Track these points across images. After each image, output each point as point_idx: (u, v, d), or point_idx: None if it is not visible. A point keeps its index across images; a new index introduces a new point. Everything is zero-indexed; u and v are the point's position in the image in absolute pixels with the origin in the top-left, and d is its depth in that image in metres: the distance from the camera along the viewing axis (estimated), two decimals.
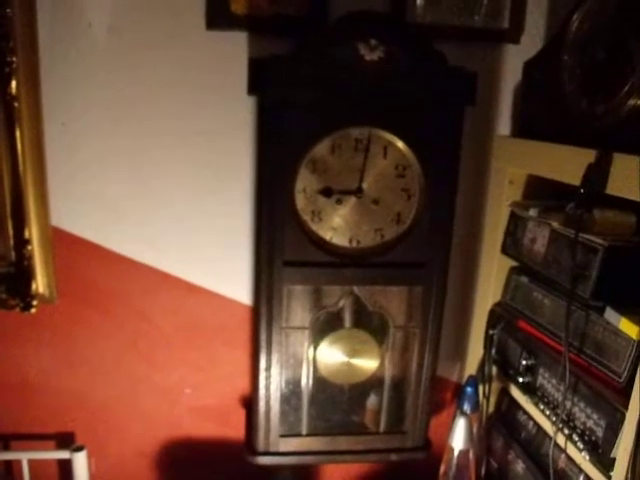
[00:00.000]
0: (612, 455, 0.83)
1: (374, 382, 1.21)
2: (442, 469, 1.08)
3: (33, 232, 1.16)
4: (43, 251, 1.18)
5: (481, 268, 1.26)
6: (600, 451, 0.87)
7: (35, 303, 1.18)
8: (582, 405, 0.92)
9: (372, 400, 1.24)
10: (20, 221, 1.13)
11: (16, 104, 1.06)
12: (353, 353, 1.17)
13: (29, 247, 1.15)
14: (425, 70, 1.00)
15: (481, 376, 1.21)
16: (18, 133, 1.08)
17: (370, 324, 1.19)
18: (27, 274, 1.17)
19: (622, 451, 0.80)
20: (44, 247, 1.18)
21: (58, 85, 1.12)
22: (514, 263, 1.16)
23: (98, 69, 1.13)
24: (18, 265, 1.16)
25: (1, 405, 1.29)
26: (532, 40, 1.19)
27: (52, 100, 1.12)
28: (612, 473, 0.83)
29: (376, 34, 0.96)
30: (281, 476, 1.30)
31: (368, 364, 1.18)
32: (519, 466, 1.13)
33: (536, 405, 1.04)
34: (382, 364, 1.18)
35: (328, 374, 1.18)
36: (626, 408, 0.80)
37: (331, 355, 1.17)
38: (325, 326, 1.17)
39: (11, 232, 1.14)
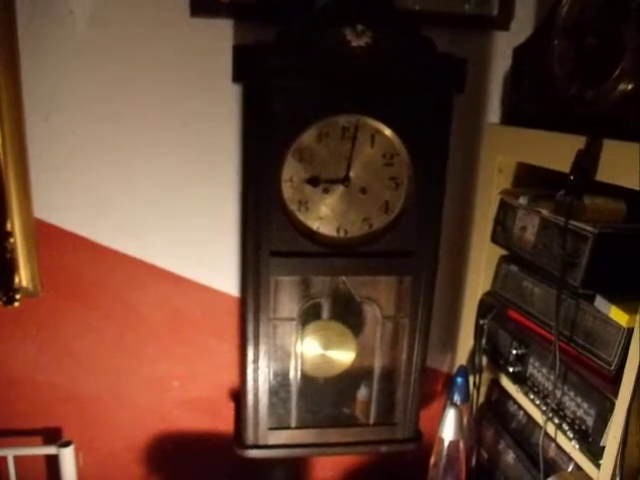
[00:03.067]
0: (602, 444, 0.83)
1: (363, 373, 1.20)
2: (432, 460, 1.08)
3: (15, 224, 1.14)
4: (26, 244, 1.16)
5: (471, 257, 1.26)
6: (590, 440, 0.86)
7: (18, 297, 1.16)
8: (572, 394, 0.92)
9: (362, 392, 1.23)
10: (1, 213, 1.11)
11: None
12: (329, 345, 1.16)
13: (11, 240, 1.13)
14: (413, 56, 0.98)
15: (471, 366, 1.20)
16: None
17: (355, 315, 1.18)
18: (9, 267, 1.14)
19: (611, 439, 0.80)
20: (27, 240, 1.16)
21: (40, 74, 1.10)
22: (504, 252, 1.16)
23: (80, 58, 1.10)
24: (0, 258, 1.14)
25: None
26: (522, 26, 1.18)
27: (33, 90, 1.10)
28: (601, 462, 0.83)
29: (363, 19, 0.94)
30: (275, 469, 1.30)
31: (344, 356, 1.17)
32: (509, 456, 1.13)
33: (526, 395, 1.04)
34: (363, 356, 1.17)
35: (306, 367, 1.17)
36: (616, 397, 0.80)
37: (309, 347, 1.16)
38: (313, 317, 1.16)
39: None
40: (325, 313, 1.17)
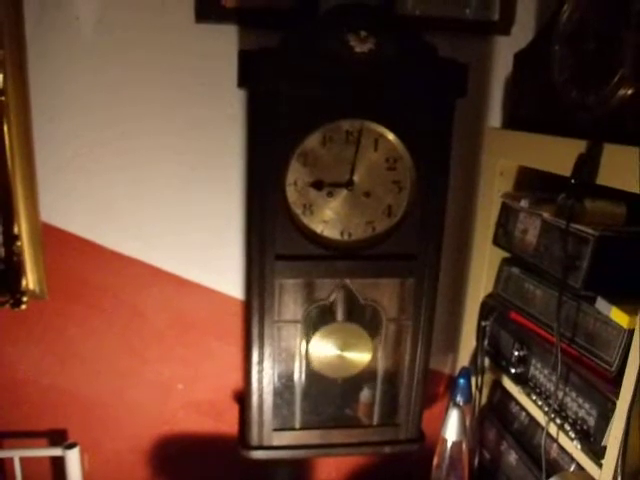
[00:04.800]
0: (603, 444, 0.84)
1: (367, 375, 1.21)
2: (435, 461, 1.08)
3: (22, 228, 1.15)
4: (33, 247, 1.17)
5: (473, 260, 1.27)
6: (591, 440, 0.87)
7: (25, 299, 1.17)
8: (574, 395, 0.93)
9: (365, 393, 1.24)
10: (9, 217, 1.12)
11: (3, 98, 1.05)
12: (346, 346, 1.17)
13: (18, 243, 1.15)
14: (416, 62, 0.99)
15: (474, 368, 1.21)
16: (6, 127, 1.07)
17: (362, 317, 1.19)
18: (17, 270, 1.16)
19: (613, 439, 0.80)
20: (34, 243, 1.17)
21: (46, 79, 1.11)
22: (506, 254, 1.16)
23: (87, 63, 1.12)
24: (7, 261, 1.15)
25: None
26: (523, 32, 1.19)
27: (40, 94, 1.11)
28: (603, 461, 0.83)
29: (366, 25, 0.96)
30: (279, 470, 1.30)
31: (361, 357, 1.18)
32: (512, 457, 1.13)
33: (528, 396, 1.04)
34: (375, 357, 1.18)
35: (320, 368, 1.17)
36: (617, 397, 0.81)
37: (323, 349, 1.16)
38: (317, 319, 1.17)
39: (0, 228, 1.13)
40: (340, 315, 1.17)
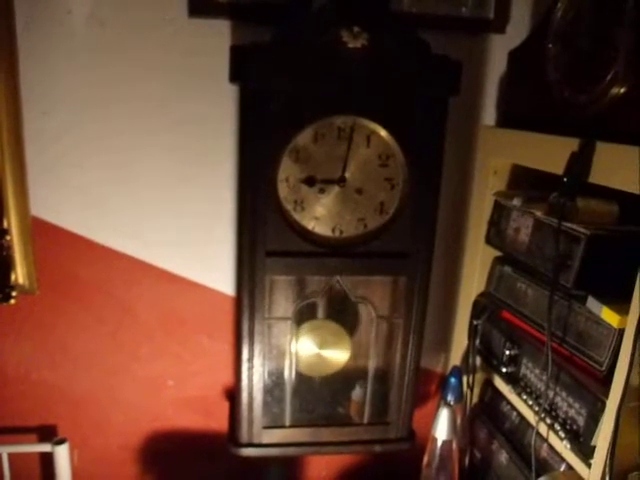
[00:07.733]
0: (592, 443, 0.84)
1: (357, 373, 1.21)
2: (425, 460, 1.08)
3: (12, 222, 1.14)
4: (23, 241, 1.16)
5: (465, 258, 1.26)
6: (581, 440, 0.87)
7: (14, 294, 1.17)
8: (564, 394, 0.92)
9: (356, 391, 1.23)
10: None
11: None
12: (324, 344, 1.17)
13: (8, 237, 1.14)
14: (409, 58, 0.99)
15: (465, 367, 1.21)
16: None
17: (352, 315, 1.18)
18: (6, 265, 1.15)
19: (602, 439, 0.80)
20: (24, 237, 1.16)
21: (38, 72, 1.10)
22: (498, 253, 1.16)
23: (79, 57, 1.11)
24: None
25: None
26: (517, 30, 1.18)
27: (31, 88, 1.10)
28: (592, 461, 0.83)
29: (359, 21, 0.95)
30: (269, 468, 1.30)
31: (338, 356, 1.18)
32: (502, 456, 1.13)
33: (519, 395, 1.04)
34: (365, 355, 1.17)
35: (301, 366, 1.17)
36: (607, 397, 0.81)
37: (303, 346, 1.16)
38: (308, 317, 1.16)
39: None
40: (320, 312, 1.17)
